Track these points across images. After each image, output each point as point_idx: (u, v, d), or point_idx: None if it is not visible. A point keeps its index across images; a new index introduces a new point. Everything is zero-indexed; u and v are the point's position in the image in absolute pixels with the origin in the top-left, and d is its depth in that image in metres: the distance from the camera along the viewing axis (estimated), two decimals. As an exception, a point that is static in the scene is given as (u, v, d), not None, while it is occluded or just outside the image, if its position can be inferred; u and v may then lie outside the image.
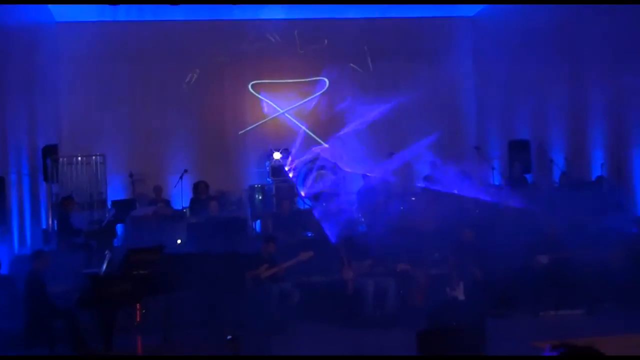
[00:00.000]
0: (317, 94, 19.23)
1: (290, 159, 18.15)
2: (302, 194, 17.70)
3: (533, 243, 12.79)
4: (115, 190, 17.88)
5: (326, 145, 18.25)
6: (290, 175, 17.95)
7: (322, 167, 17.78)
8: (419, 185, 16.67)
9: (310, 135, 19.24)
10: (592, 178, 16.26)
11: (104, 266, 10.89)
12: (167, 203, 16.95)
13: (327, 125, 18.71)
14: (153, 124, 18.61)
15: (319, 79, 19.27)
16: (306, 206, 17.45)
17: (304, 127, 19.04)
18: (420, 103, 18.02)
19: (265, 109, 19.45)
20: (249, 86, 19.28)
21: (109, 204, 16.71)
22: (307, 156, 18.10)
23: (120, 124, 18.50)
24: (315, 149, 18.30)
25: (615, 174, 15.54)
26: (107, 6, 16.93)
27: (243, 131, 19.07)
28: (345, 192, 17.50)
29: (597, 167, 16.26)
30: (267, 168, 18.26)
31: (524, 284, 12.31)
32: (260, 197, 17.34)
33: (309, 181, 17.71)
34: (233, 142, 19.03)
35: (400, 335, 10.97)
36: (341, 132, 17.79)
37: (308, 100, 19.41)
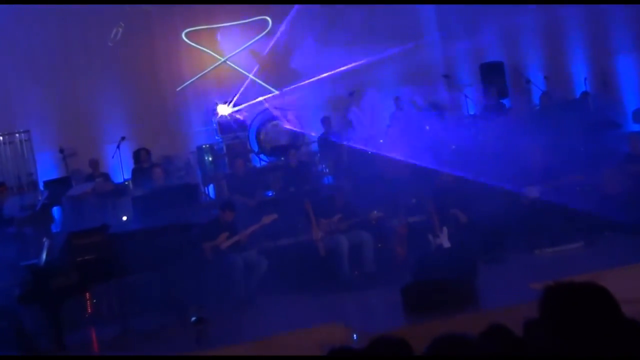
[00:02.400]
0: (259, 36, 19.03)
1: (238, 111, 18.01)
2: (257, 149, 17.64)
3: (519, 175, 12.86)
4: (46, 169, 17.64)
5: (277, 92, 18.16)
6: (240, 129, 17.83)
7: (277, 117, 17.70)
8: (387, 125, 16.68)
9: (260, 84, 19.09)
10: (576, 95, 16.40)
11: (44, 255, 10.79)
12: (106, 177, 16.77)
13: (282, 72, 18.58)
14: (79, 91, 18.34)
15: (263, 19, 19.07)
16: (263, 163, 17.41)
17: (251, 75, 18.86)
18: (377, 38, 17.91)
19: (205, 59, 19.26)
20: (183, 35, 19.05)
21: (40, 185, 16.53)
22: (259, 106, 18.01)
23: (42, 94, 18.18)
24: (267, 98, 18.20)
25: (601, 87, 15.67)
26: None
27: (182, 87, 18.88)
28: (304, 142, 17.51)
29: (580, 82, 16.39)
30: (214, 125, 18.13)
31: (514, 221, 12.43)
32: (210, 159, 17.23)
33: (263, 134, 17.66)
34: (172, 101, 18.81)
35: (383, 294, 11.07)
36: (299, 80, 17.71)
37: (254, 45, 19.20)
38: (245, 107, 18.03)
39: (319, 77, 17.43)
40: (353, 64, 17.12)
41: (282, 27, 18.30)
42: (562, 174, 12.71)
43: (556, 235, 12.37)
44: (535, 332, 3.56)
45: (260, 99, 18.05)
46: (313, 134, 17.42)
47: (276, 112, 17.70)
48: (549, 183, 12.67)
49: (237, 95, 17.99)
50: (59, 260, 10.48)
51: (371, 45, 17.42)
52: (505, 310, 8.50)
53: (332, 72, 17.43)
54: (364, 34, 17.89)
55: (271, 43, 18.58)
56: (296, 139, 17.28)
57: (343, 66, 17.37)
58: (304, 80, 17.61)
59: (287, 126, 17.51)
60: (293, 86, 17.74)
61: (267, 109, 17.91)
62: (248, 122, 17.91)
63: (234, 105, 18.09)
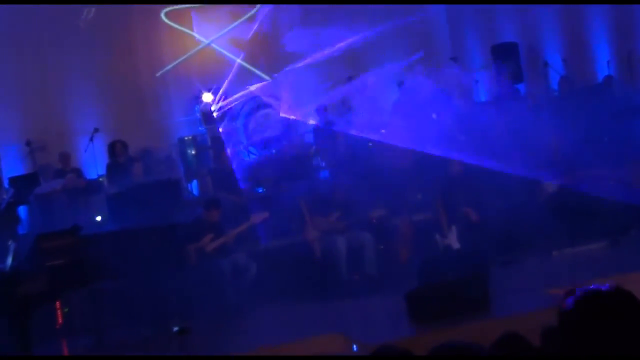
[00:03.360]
0: (247, 15, 19.01)
1: (224, 99, 17.99)
2: (246, 141, 17.61)
3: (536, 168, 12.86)
4: (11, 165, 17.63)
5: (269, 79, 18.15)
6: (227, 119, 17.81)
7: (268, 105, 17.67)
8: (390, 112, 16.65)
9: (249, 69, 19.08)
10: (599, 80, 16.40)
11: (9, 260, 10.75)
12: (78, 172, 16.77)
13: (273, 55, 18.55)
14: (48, 77, 18.33)
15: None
16: (252, 156, 17.39)
17: (239, 60, 18.85)
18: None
19: (187, 42, 19.25)
20: (162, 15, 19.04)
21: (5, 183, 16.52)
22: (248, 94, 17.98)
23: (6, 82, 18.18)
24: (257, 85, 18.18)
25: (627, 71, 15.66)
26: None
27: (161, 72, 18.86)
28: (298, 133, 17.49)
29: (603, 64, 16.40)
30: (198, 114, 18.12)
31: (530, 219, 12.41)
32: (193, 152, 17.23)
33: (253, 124, 17.63)
34: (151, 88, 18.80)
35: (385, 301, 11.09)
36: (291, 65, 17.68)
37: (241, 26, 19.17)
38: (233, 94, 18.01)
39: (314, 59, 17.39)
40: (353, 38, 17.03)
41: (273, 5, 18.26)
42: (584, 167, 12.71)
43: (577, 235, 12.37)
44: (554, 342, 3.56)
45: (252, 88, 18.03)
46: (309, 123, 17.37)
47: (267, 100, 17.65)
48: (569, 177, 12.67)
49: (225, 82, 17.98)
50: (26, 266, 10.45)
51: (372, 19, 17.36)
52: (521, 317, 8.52)
53: (329, 53, 17.38)
54: (364, 10, 17.85)
55: (260, 23, 18.55)
56: (289, 130, 17.24)
57: (341, 45, 17.31)
58: (298, 64, 17.57)
59: (279, 115, 17.48)
60: (285, 71, 17.70)
61: (257, 96, 17.87)
62: (236, 111, 17.88)
63: (220, 93, 18.07)
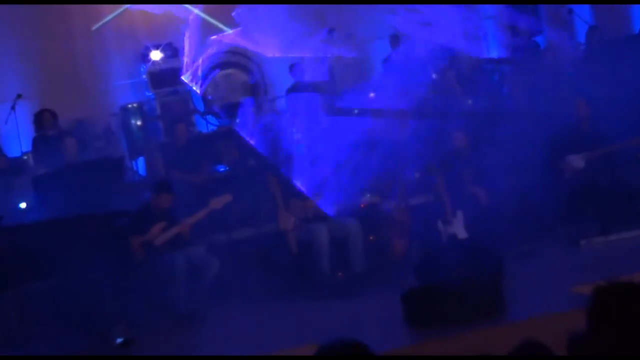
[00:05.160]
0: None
1: (177, 57, 17.92)
2: (203, 109, 17.56)
3: (559, 139, 12.88)
4: None
5: (230, 31, 18.05)
6: (180, 81, 17.73)
7: (231, 64, 17.60)
8: (380, 72, 16.66)
9: (207, 20, 19.02)
10: (635, 30, 16.43)
11: None
12: (-3, 149, 16.78)
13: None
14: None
15: None
16: (211, 127, 17.34)
17: (195, 10, 18.77)
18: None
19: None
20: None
21: None
22: (206, 50, 17.91)
23: None
24: (217, 38, 18.10)
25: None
26: None
27: (99, 25, 18.81)
28: (268, 98, 17.47)
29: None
30: (144, 77, 18.07)
31: (553, 201, 12.45)
32: (138, 123, 17.18)
33: (211, 88, 17.56)
34: (86, 45, 18.76)
35: (377, 303, 11.12)
36: (259, 12, 17.62)
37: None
38: (187, 51, 17.95)
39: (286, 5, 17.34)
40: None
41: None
42: (616, 138, 12.74)
43: (609, 221, 12.42)
44: (584, 349, 3.57)
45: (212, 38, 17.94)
46: (282, 87, 17.33)
47: (229, 57, 17.58)
48: (599, 150, 12.70)
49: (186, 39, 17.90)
50: None
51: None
52: (542, 321, 8.60)
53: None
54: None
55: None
56: (257, 94, 17.20)
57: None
58: (266, 12, 17.50)
59: (244, 76, 17.44)
60: (251, 21, 17.61)
61: (217, 52, 17.78)
62: (191, 72, 17.80)
63: (172, 50, 18.01)
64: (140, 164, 17.01)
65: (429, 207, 12.75)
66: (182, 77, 17.45)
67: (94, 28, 18.66)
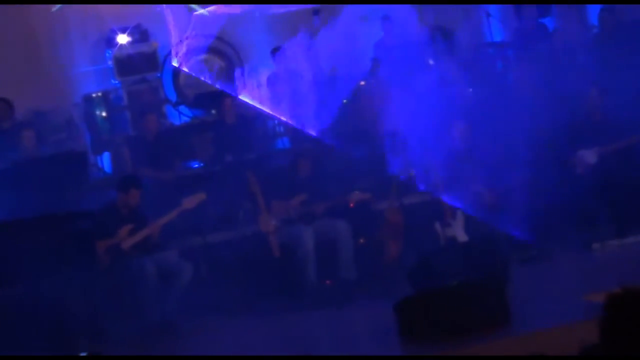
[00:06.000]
0: None
1: (146, 41, 17.88)
2: (175, 99, 17.52)
3: (570, 132, 12.87)
4: None
5: (205, 12, 18.01)
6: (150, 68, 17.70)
7: (205, 49, 17.58)
8: (371, 57, 16.63)
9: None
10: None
11: None
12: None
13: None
14: None
15: None
16: (184, 119, 17.30)
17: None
18: None
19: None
20: None
21: None
22: (179, 34, 17.86)
23: None
24: (190, 21, 18.07)
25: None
26: None
27: (60, 6, 18.79)
28: (248, 87, 17.43)
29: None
30: (110, 63, 18.04)
31: (563, 200, 12.44)
32: (103, 114, 17.14)
33: (184, 76, 17.54)
34: (45, 27, 18.74)
35: (368, 313, 11.09)
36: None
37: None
38: (158, 35, 17.93)
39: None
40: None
41: None
42: (633, 130, 12.73)
43: (623, 222, 12.41)
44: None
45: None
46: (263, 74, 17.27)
47: (204, 41, 17.56)
48: (614, 144, 12.69)
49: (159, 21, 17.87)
50: None
51: None
52: (552, 333, 8.54)
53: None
54: None
55: None
56: (235, 82, 17.15)
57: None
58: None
59: (220, 62, 17.41)
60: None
61: (190, 36, 17.75)
62: (161, 58, 17.78)
63: (140, 33, 17.97)
64: (106, 160, 16.96)
65: (425, 207, 12.73)
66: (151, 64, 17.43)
67: (54, 9, 18.63)
